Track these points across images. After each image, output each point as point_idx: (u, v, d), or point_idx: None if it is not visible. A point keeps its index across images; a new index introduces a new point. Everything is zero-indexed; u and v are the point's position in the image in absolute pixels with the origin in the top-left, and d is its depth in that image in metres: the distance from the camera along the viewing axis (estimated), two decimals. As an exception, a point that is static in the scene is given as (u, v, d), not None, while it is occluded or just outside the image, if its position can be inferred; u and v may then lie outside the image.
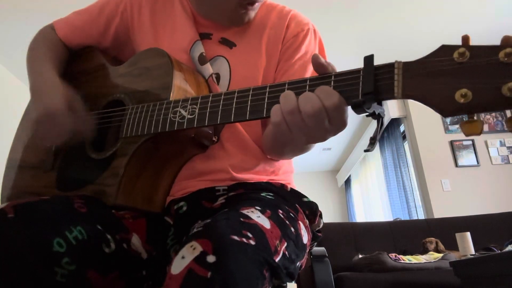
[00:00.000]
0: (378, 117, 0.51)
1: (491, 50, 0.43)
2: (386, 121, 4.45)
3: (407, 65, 0.47)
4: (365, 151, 0.55)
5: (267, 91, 0.57)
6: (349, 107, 0.53)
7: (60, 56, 0.90)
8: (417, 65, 0.47)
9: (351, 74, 0.51)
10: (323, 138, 0.57)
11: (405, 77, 0.47)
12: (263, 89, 0.58)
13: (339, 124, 0.54)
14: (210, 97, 0.63)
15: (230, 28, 0.85)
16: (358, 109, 0.50)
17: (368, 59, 0.50)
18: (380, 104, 0.51)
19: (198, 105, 0.64)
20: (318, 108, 0.51)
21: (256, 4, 0.81)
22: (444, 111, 0.44)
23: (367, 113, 0.51)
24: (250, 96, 0.58)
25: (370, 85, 0.48)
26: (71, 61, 0.93)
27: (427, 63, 0.46)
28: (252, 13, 0.83)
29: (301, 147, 0.74)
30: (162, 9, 0.89)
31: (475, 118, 0.44)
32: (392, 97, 0.48)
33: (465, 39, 0.44)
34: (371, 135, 0.53)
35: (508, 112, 3.99)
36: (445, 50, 0.45)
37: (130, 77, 0.80)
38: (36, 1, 2.89)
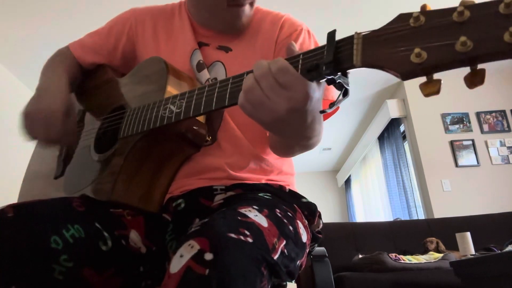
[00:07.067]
0: (340, 85, 0.53)
1: (445, 12, 0.43)
2: (386, 121, 4.45)
3: (366, 35, 0.49)
4: (321, 112, 0.57)
5: (244, 77, 0.59)
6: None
7: (74, 69, 0.95)
8: (375, 33, 0.48)
9: (317, 50, 0.53)
10: (284, 110, 0.55)
11: (364, 47, 0.48)
12: (241, 76, 0.60)
13: (298, 96, 0.53)
14: (196, 90, 0.67)
15: (227, 37, 0.89)
16: (312, 73, 0.52)
17: (331, 34, 0.52)
18: (345, 75, 0.52)
19: (186, 99, 0.67)
20: (265, 70, 0.52)
21: (246, 6, 0.83)
22: (401, 74, 0.45)
23: (325, 78, 0.52)
24: (230, 84, 0.61)
25: (330, 56, 0.50)
26: (85, 79, 0.99)
27: (384, 31, 0.47)
28: (244, 17, 0.85)
29: (292, 141, 0.72)
30: (163, 25, 0.94)
31: (434, 78, 0.44)
32: (352, 66, 0.49)
33: (423, 7, 0.45)
34: (342, 104, 0.55)
35: (498, 100, 4.00)
36: (402, 18, 0.46)
37: (131, 85, 0.86)
38: (36, 1, 2.90)
